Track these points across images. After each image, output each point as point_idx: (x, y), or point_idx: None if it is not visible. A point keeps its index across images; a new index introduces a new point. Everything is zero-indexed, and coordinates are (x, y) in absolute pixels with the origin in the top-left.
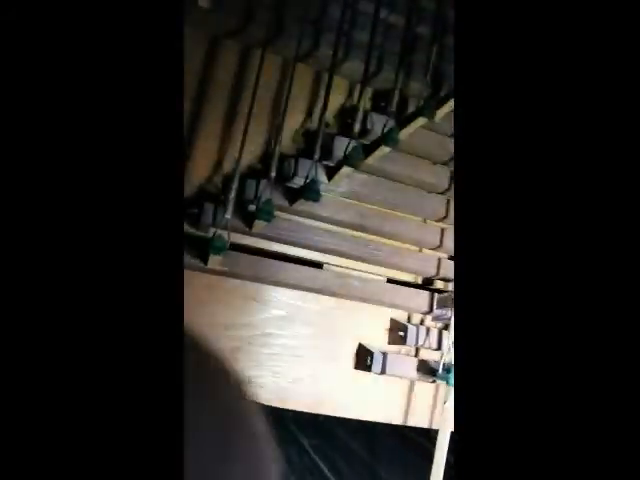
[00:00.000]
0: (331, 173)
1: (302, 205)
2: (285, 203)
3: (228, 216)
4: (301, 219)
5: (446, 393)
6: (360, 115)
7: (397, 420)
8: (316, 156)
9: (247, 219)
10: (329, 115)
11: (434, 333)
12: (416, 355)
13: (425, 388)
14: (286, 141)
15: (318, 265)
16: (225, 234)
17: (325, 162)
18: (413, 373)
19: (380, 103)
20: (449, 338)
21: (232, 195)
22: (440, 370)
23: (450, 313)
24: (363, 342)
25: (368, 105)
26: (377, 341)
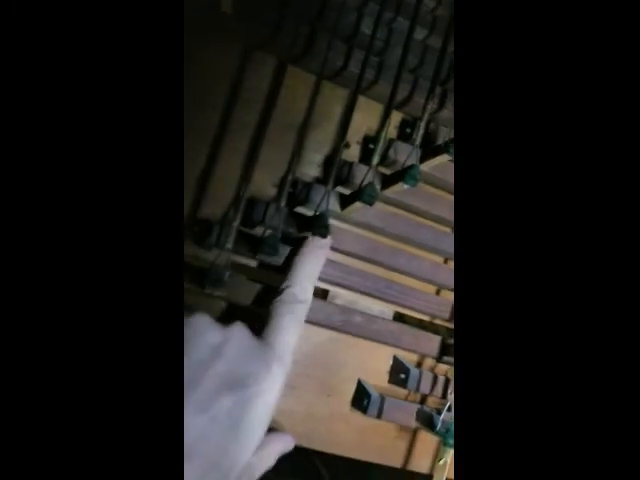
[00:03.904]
0: (345, 203)
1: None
2: (294, 230)
3: (229, 245)
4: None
5: (442, 451)
6: (382, 143)
7: (397, 463)
8: (329, 186)
9: (251, 244)
10: (352, 138)
11: (441, 381)
12: (422, 402)
13: (424, 435)
14: (309, 165)
15: (323, 296)
16: (225, 260)
17: (341, 189)
18: (412, 422)
19: (406, 130)
20: (452, 391)
21: (236, 222)
22: (439, 426)
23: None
24: (363, 379)
25: (394, 131)
26: (380, 380)
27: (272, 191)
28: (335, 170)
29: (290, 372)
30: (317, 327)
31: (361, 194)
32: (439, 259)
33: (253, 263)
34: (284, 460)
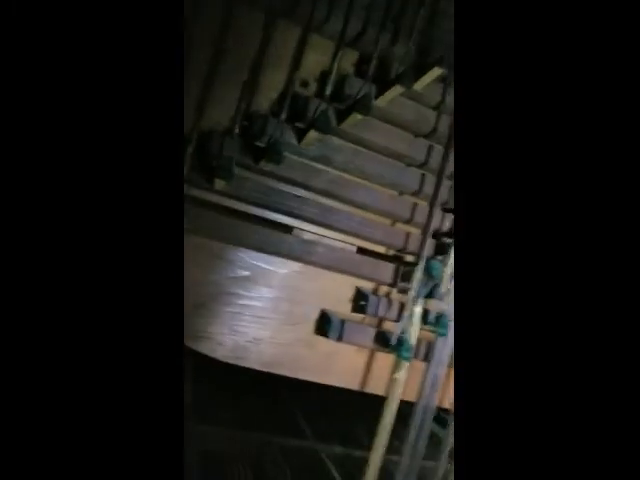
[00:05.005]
0: (301, 136)
1: (269, 166)
2: (251, 162)
3: (184, 171)
4: (268, 180)
5: (397, 365)
6: (334, 77)
7: (354, 386)
8: (282, 116)
9: (209, 175)
10: (311, 77)
11: (395, 305)
12: (379, 325)
13: (385, 357)
14: (264, 100)
15: (286, 229)
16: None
17: (298, 124)
18: (370, 342)
19: (363, 67)
20: (408, 310)
21: (190, 148)
22: (393, 342)
23: (414, 286)
24: (327, 309)
25: (351, 69)
26: (342, 308)
27: (230, 125)
28: (288, 102)
29: (257, 303)
30: (282, 260)
31: (315, 122)
32: (395, 192)
33: (212, 197)
34: (268, 417)
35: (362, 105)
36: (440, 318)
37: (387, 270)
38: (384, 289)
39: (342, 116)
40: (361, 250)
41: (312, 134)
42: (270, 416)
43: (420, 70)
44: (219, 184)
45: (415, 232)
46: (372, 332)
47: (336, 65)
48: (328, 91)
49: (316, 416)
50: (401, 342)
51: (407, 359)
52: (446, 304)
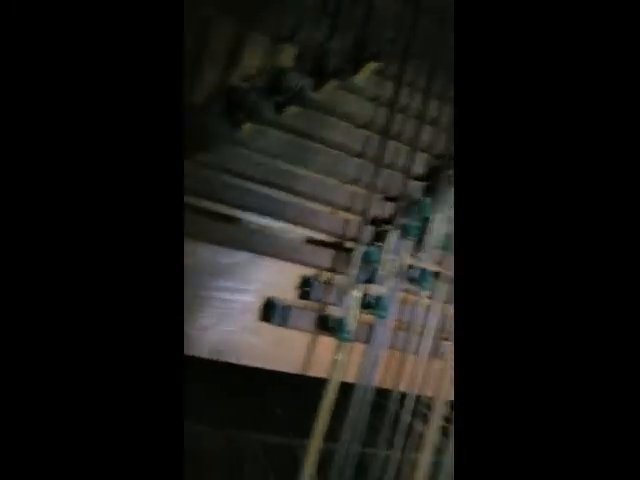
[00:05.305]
0: (238, 125)
1: (210, 157)
2: (195, 154)
3: None
4: (211, 172)
5: (338, 347)
6: (272, 71)
7: (299, 370)
8: (219, 109)
9: None
10: (251, 71)
11: (337, 290)
12: (322, 310)
13: (329, 342)
14: (203, 92)
15: (231, 219)
16: None
17: (236, 116)
18: (312, 327)
19: (301, 62)
20: (349, 296)
21: None
22: (332, 324)
23: (353, 272)
24: (273, 296)
25: (291, 63)
26: (288, 295)
27: None
28: (226, 95)
29: (203, 293)
30: (227, 250)
31: (250, 114)
32: (335, 182)
33: None
34: (244, 406)
35: (299, 98)
36: (379, 301)
37: (330, 257)
38: (327, 275)
39: (280, 108)
40: (306, 238)
41: (248, 126)
42: (251, 414)
43: (357, 64)
44: None
45: (355, 220)
46: (315, 317)
47: (273, 60)
48: (266, 84)
49: (295, 413)
50: (340, 324)
51: (346, 340)
52: (385, 288)
